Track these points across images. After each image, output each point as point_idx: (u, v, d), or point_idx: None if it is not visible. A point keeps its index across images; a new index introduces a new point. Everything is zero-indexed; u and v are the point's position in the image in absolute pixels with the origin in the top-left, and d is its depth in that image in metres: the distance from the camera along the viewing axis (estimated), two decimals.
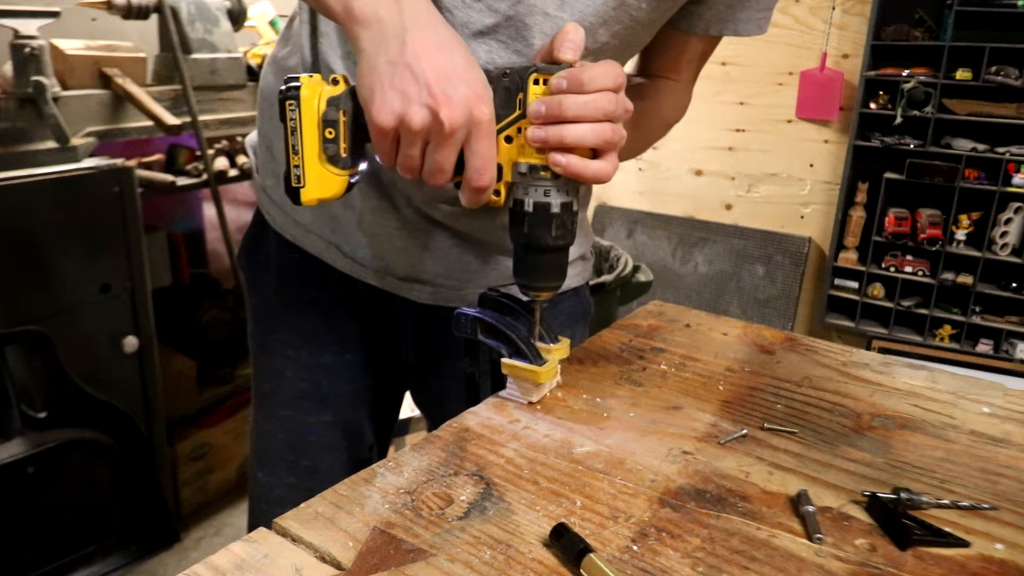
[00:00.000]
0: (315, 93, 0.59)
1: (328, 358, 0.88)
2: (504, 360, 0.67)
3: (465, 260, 0.83)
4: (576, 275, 0.91)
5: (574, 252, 0.89)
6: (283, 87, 0.59)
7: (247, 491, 0.97)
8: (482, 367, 0.74)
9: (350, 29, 0.59)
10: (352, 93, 0.60)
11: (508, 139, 0.61)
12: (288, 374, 0.89)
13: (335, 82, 0.61)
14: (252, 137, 0.92)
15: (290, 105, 0.59)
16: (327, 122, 0.60)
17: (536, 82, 0.59)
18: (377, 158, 0.61)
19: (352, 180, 0.63)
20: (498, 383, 0.70)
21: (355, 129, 0.61)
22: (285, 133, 0.60)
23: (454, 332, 0.70)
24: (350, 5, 0.58)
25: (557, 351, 0.68)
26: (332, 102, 0.60)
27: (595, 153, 0.60)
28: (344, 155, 0.61)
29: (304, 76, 0.60)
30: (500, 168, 0.60)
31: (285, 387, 0.89)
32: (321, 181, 0.61)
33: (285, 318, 0.89)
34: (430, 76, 0.55)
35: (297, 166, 0.60)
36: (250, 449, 0.96)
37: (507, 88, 0.60)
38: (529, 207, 0.61)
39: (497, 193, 0.61)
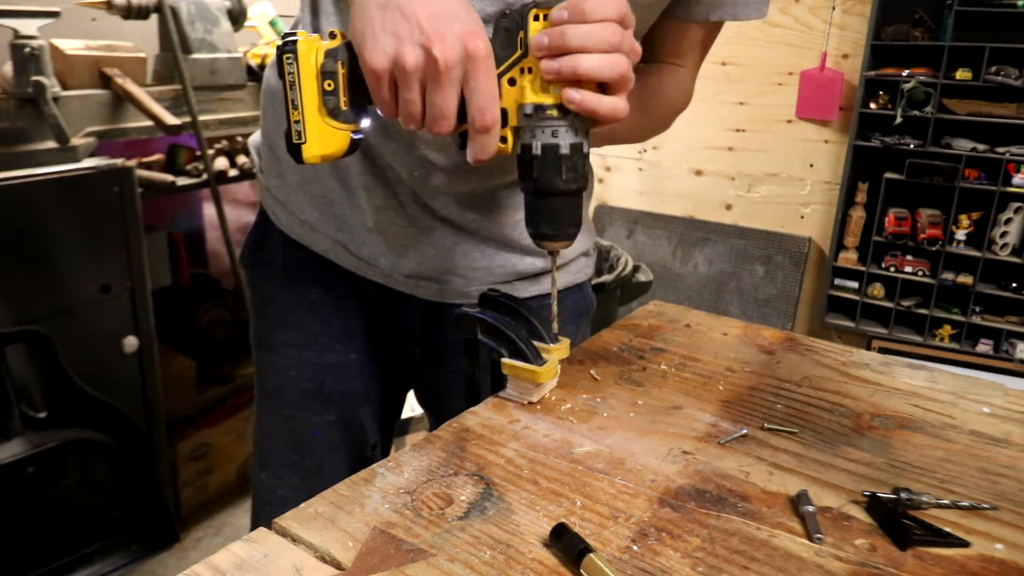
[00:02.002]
0: (312, 47, 0.59)
1: (332, 357, 0.88)
2: (504, 360, 0.67)
3: (471, 256, 0.83)
4: (579, 271, 0.91)
5: (577, 248, 0.89)
6: (280, 43, 0.59)
7: (249, 492, 0.97)
8: (482, 367, 0.74)
9: None
10: (349, 46, 0.59)
11: (511, 81, 0.59)
12: (292, 373, 0.88)
13: (332, 36, 0.60)
14: (255, 137, 0.92)
15: (287, 59, 0.58)
16: (325, 74, 0.59)
17: (536, 18, 0.57)
18: (379, 111, 0.59)
19: (355, 137, 0.62)
20: (498, 383, 0.70)
21: (354, 82, 0.59)
22: (284, 89, 0.59)
23: (455, 332, 0.70)
24: None
25: (557, 351, 0.68)
26: (330, 54, 0.59)
27: (604, 89, 0.58)
28: (344, 108, 0.60)
29: (302, 31, 0.59)
30: (505, 114, 0.59)
31: (289, 386, 0.89)
32: (323, 136, 0.60)
33: (289, 317, 0.88)
34: (421, 15, 0.54)
35: (297, 121, 0.60)
36: (253, 451, 0.96)
37: (507, 29, 0.58)
38: (537, 150, 0.59)
39: (504, 140, 0.59)
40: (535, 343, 0.67)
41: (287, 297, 0.88)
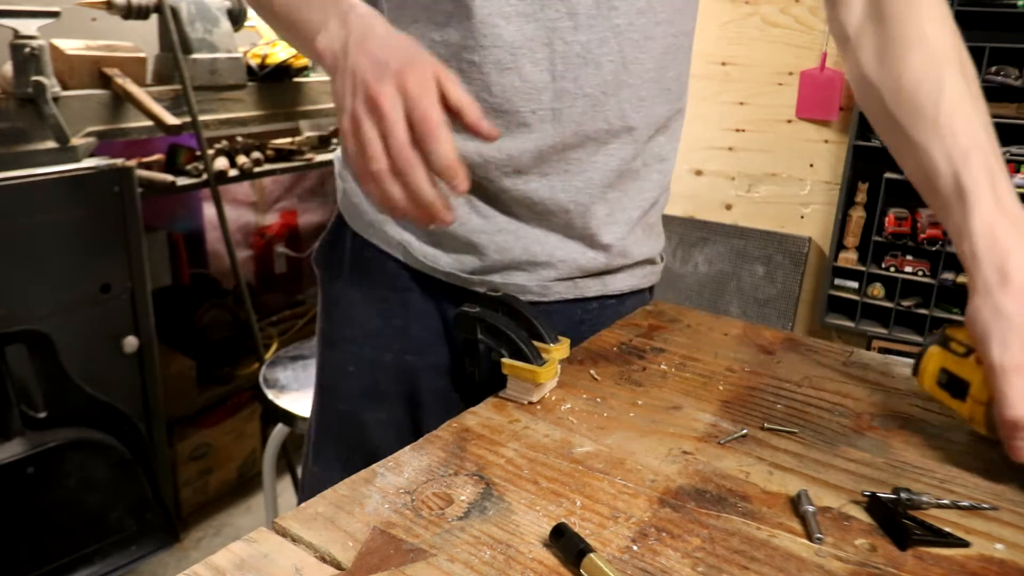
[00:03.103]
0: None
1: (388, 356, 0.88)
2: (504, 360, 0.67)
3: (531, 251, 0.81)
4: (644, 276, 0.91)
5: (643, 251, 0.88)
6: None
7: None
8: (483, 367, 0.74)
9: (322, 65, 0.63)
10: None
11: None
12: (351, 369, 0.89)
13: None
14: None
15: None
16: None
17: None
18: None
19: None
20: (498, 383, 0.70)
21: None
22: None
23: (454, 332, 0.70)
24: (313, 46, 0.63)
25: (557, 351, 0.68)
26: None
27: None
28: None
29: None
30: None
31: (346, 382, 0.89)
32: None
33: (352, 313, 0.89)
34: (365, 66, 0.57)
35: None
36: (306, 443, 0.97)
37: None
38: None
39: None
40: (535, 343, 0.68)
41: (351, 295, 0.89)
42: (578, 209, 0.79)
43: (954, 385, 0.61)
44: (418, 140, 0.57)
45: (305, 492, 0.96)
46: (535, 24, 0.70)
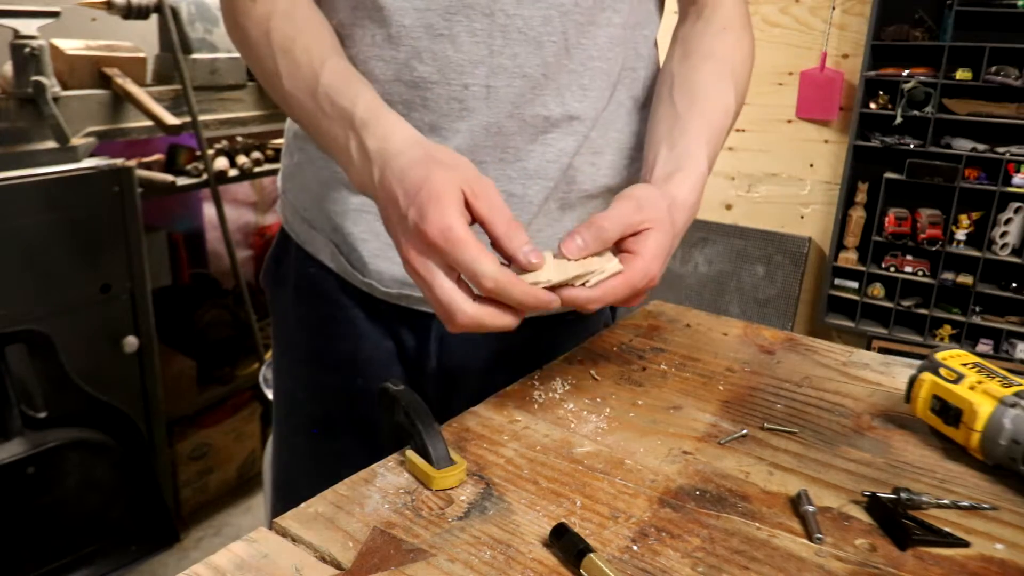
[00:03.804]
0: None
1: (336, 380, 0.80)
2: (407, 451, 0.57)
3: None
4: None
5: None
6: None
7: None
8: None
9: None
10: None
11: None
12: (299, 397, 0.83)
13: None
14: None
15: None
16: None
17: None
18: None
19: None
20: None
21: None
22: None
23: (377, 405, 0.62)
24: (347, 175, 0.63)
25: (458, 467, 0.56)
26: None
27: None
28: None
29: None
30: None
31: (297, 412, 0.83)
32: None
33: (298, 336, 0.82)
34: (393, 222, 0.57)
35: None
36: (269, 480, 0.92)
37: None
38: None
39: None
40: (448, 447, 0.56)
41: (297, 314, 0.82)
42: (511, 201, 0.73)
43: (947, 412, 0.61)
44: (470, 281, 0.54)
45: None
46: None
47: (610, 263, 0.59)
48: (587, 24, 0.70)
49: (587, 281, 0.57)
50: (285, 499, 0.84)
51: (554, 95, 0.71)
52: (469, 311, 0.54)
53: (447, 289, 0.54)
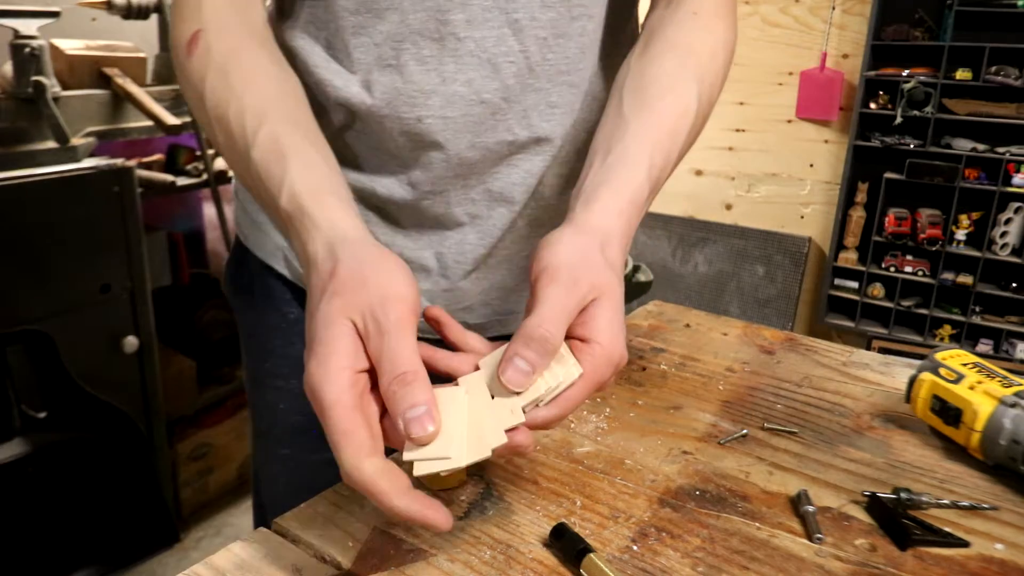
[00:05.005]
0: None
1: None
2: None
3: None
4: None
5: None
6: None
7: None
8: None
9: None
10: None
11: None
12: (281, 407, 0.77)
13: None
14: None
15: None
16: None
17: None
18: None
19: None
20: None
21: None
22: None
23: None
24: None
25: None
26: None
27: None
28: None
29: None
30: None
31: (280, 422, 0.78)
32: None
33: (271, 344, 0.77)
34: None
35: None
36: (255, 498, 0.86)
37: None
38: None
39: None
40: None
41: (267, 323, 0.77)
42: (475, 224, 0.68)
43: (947, 412, 0.61)
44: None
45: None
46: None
47: (564, 368, 0.47)
48: (553, 38, 0.62)
49: (540, 401, 0.46)
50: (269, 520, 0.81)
51: (519, 119, 0.63)
52: (352, 474, 0.43)
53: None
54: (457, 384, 0.48)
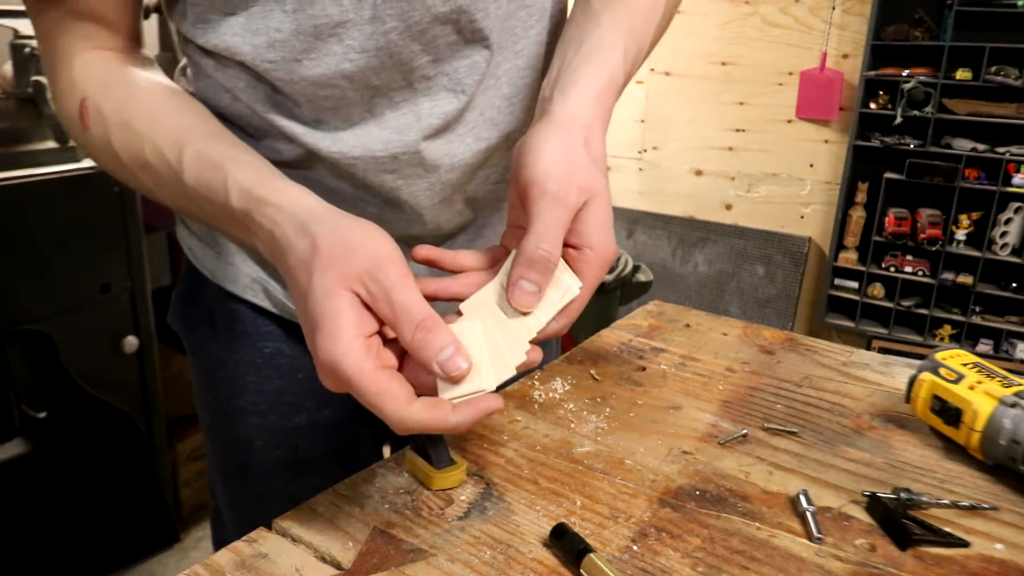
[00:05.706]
0: None
1: (303, 418, 0.74)
2: (407, 452, 0.58)
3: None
4: None
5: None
6: None
7: None
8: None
9: None
10: None
11: None
12: (258, 444, 0.75)
13: None
14: None
15: None
16: None
17: None
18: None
19: None
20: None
21: None
22: None
23: None
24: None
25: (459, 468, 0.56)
26: None
27: None
28: None
29: None
30: None
31: (257, 459, 0.75)
32: None
33: (244, 379, 0.74)
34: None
35: None
36: (216, 534, 0.83)
37: None
38: None
39: None
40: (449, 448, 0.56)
41: (238, 358, 0.73)
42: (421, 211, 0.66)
43: (947, 412, 0.61)
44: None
45: None
46: None
47: (564, 282, 0.49)
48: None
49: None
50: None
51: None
52: (407, 422, 0.44)
53: (374, 403, 0.44)
54: (460, 312, 0.49)
